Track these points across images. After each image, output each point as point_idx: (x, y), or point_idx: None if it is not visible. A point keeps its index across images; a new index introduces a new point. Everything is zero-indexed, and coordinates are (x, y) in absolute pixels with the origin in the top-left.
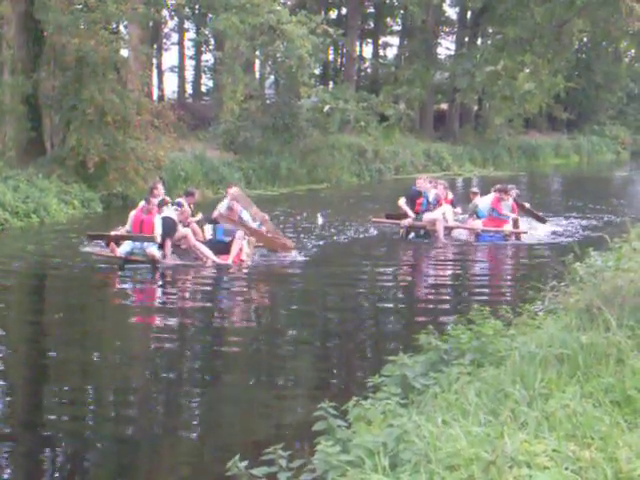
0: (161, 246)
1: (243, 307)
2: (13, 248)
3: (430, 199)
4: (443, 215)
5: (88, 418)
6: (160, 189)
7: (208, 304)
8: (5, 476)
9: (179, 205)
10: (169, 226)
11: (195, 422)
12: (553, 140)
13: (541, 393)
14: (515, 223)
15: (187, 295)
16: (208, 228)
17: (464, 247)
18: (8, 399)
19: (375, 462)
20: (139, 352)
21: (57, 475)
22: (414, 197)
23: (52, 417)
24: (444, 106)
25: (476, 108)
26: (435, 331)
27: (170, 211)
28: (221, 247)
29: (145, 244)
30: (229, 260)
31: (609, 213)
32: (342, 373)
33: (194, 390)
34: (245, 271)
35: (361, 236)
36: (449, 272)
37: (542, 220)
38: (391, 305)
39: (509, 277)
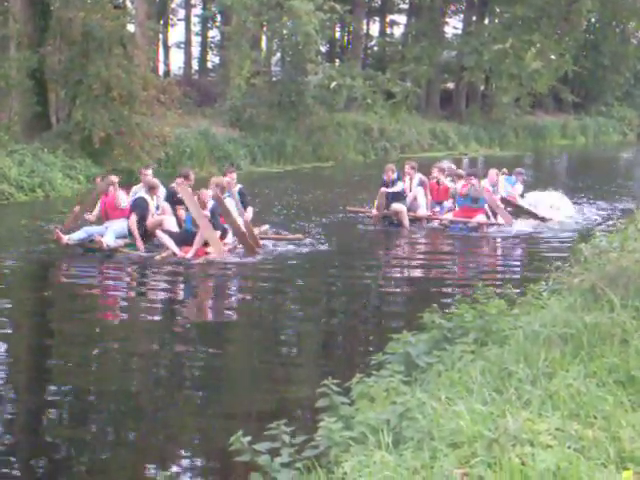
0: (130, 232)
1: (247, 288)
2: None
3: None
4: (413, 202)
5: (91, 389)
6: (147, 174)
7: (214, 283)
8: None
9: (171, 192)
10: (139, 208)
11: (198, 398)
12: (559, 121)
13: (545, 372)
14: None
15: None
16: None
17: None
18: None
19: (378, 439)
20: (141, 329)
21: (60, 443)
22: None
23: (56, 382)
24: (450, 85)
25: (483, 88)
26: (439, 310)
27: (142, 192)
28: (190, 238)
29: (106, 230)
30: (189, 253)
31: (615, 195)
32: (345, 351)
33: (197, 365)
34: (236, 260)
35: (358, 225)
36: (450, 256)
37: (542, 219)
38: (394, 285)
39: (513, 259)
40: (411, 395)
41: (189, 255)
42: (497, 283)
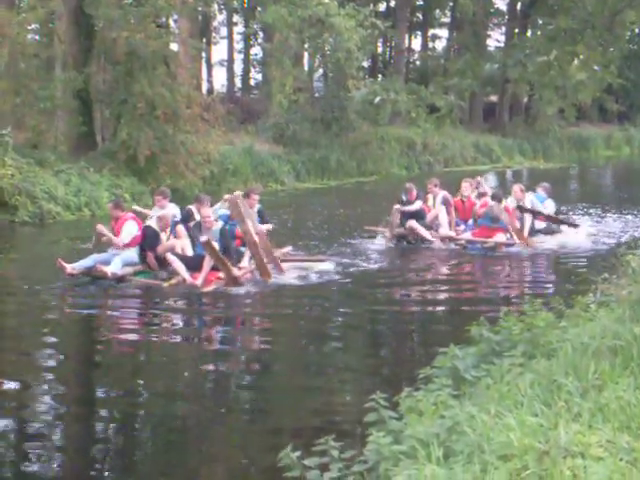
0: (144, 260)
1: (288, 306)
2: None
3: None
4: (434, 220)
5: (137, 414)
6: (161, 200)
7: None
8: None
9: (187, 214)
10: (149, 237)
11: (245, 414)
12: (604, 132)
13: (594, 384)
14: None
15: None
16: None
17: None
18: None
19: (428, 453)
20: (187, 348)
21: (107, 458)
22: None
23: (105, 398)
24: (494, 98)
25: (526, 100)
26: (486, 323)
27: (152, 220)
28: (202, 261)
29: (113, 257)
30: (198, 280)
31: None
32: (391, 366)
33: (243, 383)
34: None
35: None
36: (482, 273)
37: (572, 225)
38: (433, 302)
39: (549, 274)
40: (460, 409)
41: (199, 282)
42: (534, 297)
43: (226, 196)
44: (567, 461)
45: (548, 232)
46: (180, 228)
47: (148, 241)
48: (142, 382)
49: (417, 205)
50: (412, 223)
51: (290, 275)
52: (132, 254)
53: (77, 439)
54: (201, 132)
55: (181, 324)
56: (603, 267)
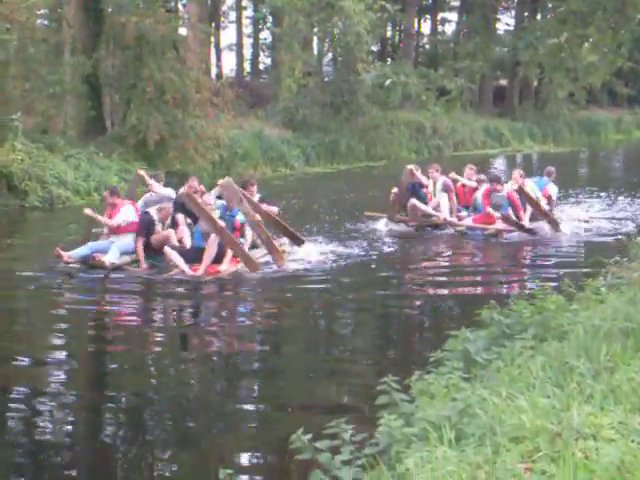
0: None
1: (295, 292)
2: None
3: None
4: (436, 208)
5: (151, 388)
6: (154, 186)
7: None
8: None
9: (180, 199)
10: (144, 224)
11: (256, 397)
12: (614, 115)
13: (606, 366)
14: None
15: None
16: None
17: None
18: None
19: (440, 435)
20: (194, 334)
21: (120, 441)
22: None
23: (116, 383)
24: (503, 82)
25: (536, 83)
26: (497, 306)
27: (152, 208)
28: (200, 254)
29: (110, 245)
30: (199, 270)
31: None
32: (402, 349)
33: (253, 367)
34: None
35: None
36: (498, 254)
37: (553, 224)
38: (448, 284)
39: (567, 256)
40: (471, 391)
41: (199, 273)
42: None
43: (220, 181)
44: (579, 443)
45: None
46: (180, 217)
47: (143, 227)
48: (151, 369)
49: (424, 178)
50: (414, 202)
51: (295, 261)
52: (129, 241)
53: (88, 425)
54: (210, 117)
55: (187, 311)
56: (614, 250)
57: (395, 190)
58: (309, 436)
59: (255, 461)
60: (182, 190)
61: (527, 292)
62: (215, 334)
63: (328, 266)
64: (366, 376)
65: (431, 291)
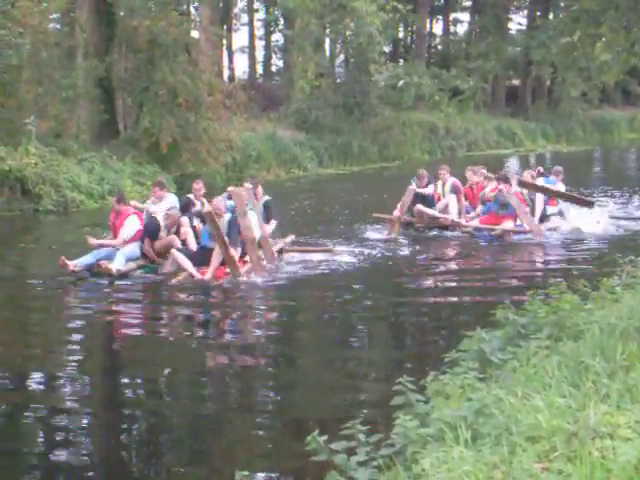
0: (144, 254)
1: (306, 295)
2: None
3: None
4: (444, 209)
5: (163, 405)
6: (158, 192)
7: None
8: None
9: (186, 203)
10: (149, 228)
11: (270, 399)
12: (627, 114)
13: (622, 365)
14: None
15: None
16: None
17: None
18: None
19: (456, 435)
20: (205, 340)
21: (135, 449)
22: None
23: (131, 396)
24: (516, 82)
25: (548, 83)
26: (511, 306)
27: (159, 214)
28: (208, 255)
29: (114, 253)
30: (207, 275)
31: None
32: (416, 350)
33: (267, 371)
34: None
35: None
36: (509, 255)
37: (587, 203)
38: (459, 286)
39: (580, 256)
40: (487, 391)
41: (207, 277)
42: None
43: (230, 188)
44: (595, 442)
45: (561, 214)
46: (184, 220)
47: (148, 232)
48: (164, 375)
49: (430, 189)
50: (420, 206)
51: (303, 265)
52: (134, 248)
53: (103, 428)
54: (223, 119)
55: (196, 318)
56: (628, 249)
57: (412, 187)
58: (325, 437)
59: (271, 464)
60: (190, 195)
61: (541, 292)
62: (223, 341)
63: (334, 271)
64: (380, 378)
65: (443, 293)
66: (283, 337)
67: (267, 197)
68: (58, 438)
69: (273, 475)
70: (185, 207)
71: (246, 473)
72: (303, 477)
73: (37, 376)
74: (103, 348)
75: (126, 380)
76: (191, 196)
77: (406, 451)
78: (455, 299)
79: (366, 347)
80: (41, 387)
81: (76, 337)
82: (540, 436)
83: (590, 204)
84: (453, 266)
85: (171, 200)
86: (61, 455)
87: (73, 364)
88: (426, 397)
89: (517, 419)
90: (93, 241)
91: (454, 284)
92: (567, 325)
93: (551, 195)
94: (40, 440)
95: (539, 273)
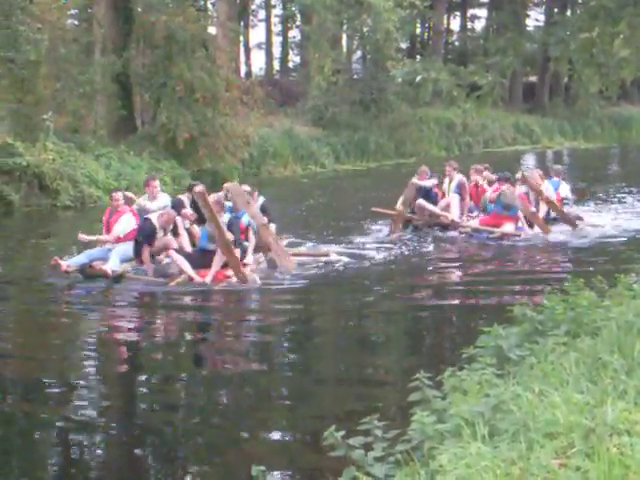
0: (138, 254)
1: (318, 294)
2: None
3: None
4: (446, 208)
5: (179, 404)
6: (153, 185)
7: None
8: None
9: (178, 203)
10: (145, 231)
11: (287, 397)
12: None
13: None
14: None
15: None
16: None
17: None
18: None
19: (473, 431)
20: (219, 341)
21: (150, 446)
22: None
23: (146, 391)
24: (533, 78)
25: (566, 80)
26: (529, 303)
27: (153, 214)
28: (207, 257)
29: (109, 253)
30: (207, 277)
31: None
32: (433, 346)
33: (284, 368)
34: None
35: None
36: (522, 254)
37: (572, 224)
38: (479, 281)
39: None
40: (504, 387)
41: (207, 279)
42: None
43: (226, 184)
44: (613, 439)
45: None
46: (180, 221)
47: (144, 235)
48: (180, 373)
49: (429, 182)
50: (421, 201)
51: (309, 265)
52: (127, 248)
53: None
54: (240, 115)
55: (201, 324)
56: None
57: (414, 181)
58: (342, 433)
59: (288, 459)
60: (182, 196)
61: (558, 289)
62: (239, 341)
63: (347, 268)
64: (396, 374)
65: (457, 291)
66: (295, 336)
67: (262, 198)
68: (62, 442)
69: (290, 470)
70: (176, 208)
71: (263, 468)
72: (320, 472)
73: (49, 382)
74: (108, 353)
75: (142, 378)
76: (183, 197)
77: (423, 447)
78: (470, 297)
79: (382, 344)
80: (56, 391)
81: (77, 341)
82: (558, 432)
83: (574, 225)
84: (464, 265)
85: (165, 199)
86: (72, 455)
87: (76, 368)
88: (443, 393)
89: (535, 415)
90: (84, 237)
91: (466, 282)
92: (584, 322)
93: (543, 200)
94: (53, 442)
95: (555, 269)
